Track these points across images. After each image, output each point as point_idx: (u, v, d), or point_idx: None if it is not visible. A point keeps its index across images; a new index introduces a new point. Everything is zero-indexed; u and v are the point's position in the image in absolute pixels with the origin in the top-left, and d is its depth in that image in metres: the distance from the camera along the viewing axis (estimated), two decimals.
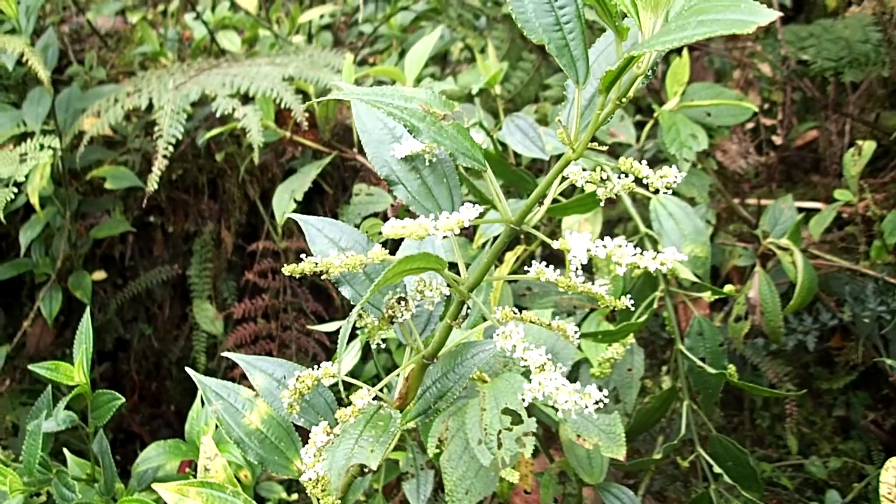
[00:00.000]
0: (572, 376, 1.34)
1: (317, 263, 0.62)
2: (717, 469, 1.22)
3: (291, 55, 1.80)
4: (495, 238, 1.56)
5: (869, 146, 1.59)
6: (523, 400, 0.54)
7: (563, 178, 0.62)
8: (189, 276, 2.39)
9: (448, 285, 0.63)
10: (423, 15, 2.06)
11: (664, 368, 1.98)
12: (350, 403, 0.70)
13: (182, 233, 2.49)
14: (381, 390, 0.75)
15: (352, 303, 0.71)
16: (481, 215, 0.54)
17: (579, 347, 1.37)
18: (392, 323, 0.64)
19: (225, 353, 0.89)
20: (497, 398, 1.02)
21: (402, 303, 0.62)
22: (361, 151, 1.75)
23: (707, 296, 1.24)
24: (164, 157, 1.50)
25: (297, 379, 0.75)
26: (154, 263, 2.47)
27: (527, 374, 1.18)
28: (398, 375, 0.73)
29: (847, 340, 2.12)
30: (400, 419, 0.66)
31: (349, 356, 1.13)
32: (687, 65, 1.42)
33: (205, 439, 1.02)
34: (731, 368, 1.26)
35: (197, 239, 2.45)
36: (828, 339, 2.11)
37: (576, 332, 0.71)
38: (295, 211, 2.20)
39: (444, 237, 0.56)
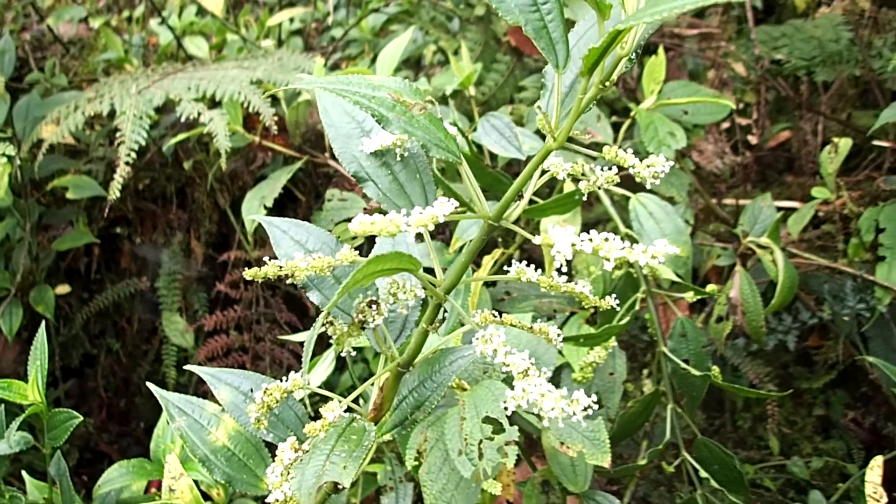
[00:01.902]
0: (554, 381, 1.30)
1: (281, 267, 0.58)
2: (703, 473, 1.19)
3: (260, 59, 1.76)
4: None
5: (845, 143, 1.58)
6: (506, 408, 0.50)
7: (543, 172, 0.58)
8: (158, 288, 2.33)
9: (423, 288, 0.59)
10: (395, 17, 2.02)
11: (645, 371, 1.96)
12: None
13: (150, 244, 2.42)
14: (355, 402, 0.71)
15: (321, 309, 0.66)
16: (457, 212, 0.50)
17: (560, 352, 1.34)
18: (363, 329, 0.60)
19: (188, 367, 0.84)
20: (477, 406, 0.98)
21: (374, 306, 0.58)
22: (334, 156, 1.71)
23: (689, 296, 1.22)
24: (127, 164, 1.45)
25: (264, 392, 0.70)
26: (121, 276, 2.40)
27: (508, 380, 1.14)
28: (372, 385, 0.69)
29: (825, 339, 2.11)
30: (375, 432, 0.61)
31: (323, 366, 1.09)
32: (663, 63, 1.40)
33: (169, 458, 0.97)
34: (715, 370, 1.23)
35: (165, 250, 2.39)
36: (806, 338, 2.10)
37: (558, 335, 0.68)
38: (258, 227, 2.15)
39: (418, 236, 0.52)
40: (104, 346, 2.42)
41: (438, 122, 0.55)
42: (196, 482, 0.99)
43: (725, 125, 2.08)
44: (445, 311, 0.61)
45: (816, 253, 1.86)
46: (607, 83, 0.48)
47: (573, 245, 0.46)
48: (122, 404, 2.40)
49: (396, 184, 0.61)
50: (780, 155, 2.21)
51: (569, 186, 1.28)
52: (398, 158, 0.62)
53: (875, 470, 1.33)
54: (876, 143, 1.85)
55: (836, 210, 1.81)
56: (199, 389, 2.27)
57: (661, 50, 1.40)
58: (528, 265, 0.61)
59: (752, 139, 2.02)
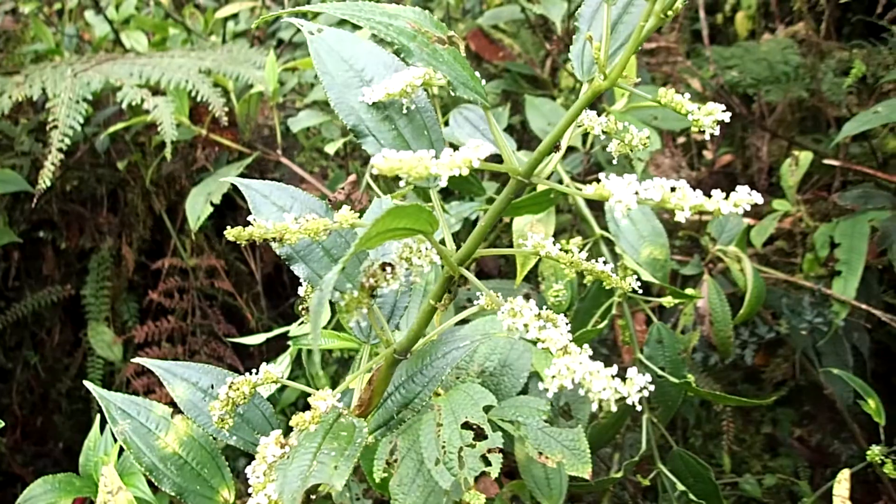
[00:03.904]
0: (523, 390, 1.23)
1: (268, 230, 0.49)
2: (679, 486, 1.14)
3: (208, 50, 1.65)
4: (474, 221, 1.43)
5: (805, 157, 1.58)
6: (546, 389, 0.42)
7: (576, 126, 0.52)
8: (84, 296, 2.16)
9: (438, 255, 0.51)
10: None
11: None
12: (289, 427, 0.56)
13: (76, 249, 2.25)
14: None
15: (302, 283, 0.58)
16: (489, 161, 0.42)
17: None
18: (374, 296, 0.52)
19: (138, 360, 0.73)
20: (455, 412, 0.90)
21: (388, 269, 0.49)
22: (286, 153, 1.61)
23: (668, 300, 1.17)
24: (60, 150, 1.31)
25: (230, 386, 0.61)
26: (43, 283, 2.21)
27: (486, 384, 1.06)
28: (365, 374, 0.60)
29: (773, 357, 2.12)
30: (367, 428, 0.53)
31: (279, 368, 0.99)
32: (634, 66, 1.37)
33: (105, 470, 0.85)
34: (691, 377, 1.19)
35: (93, 256, 2.22)
36: (754, 354, 2.10)
37: (567, 325, 0.61)
38: (201, 229, 2.02)
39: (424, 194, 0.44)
40: (20, 359, 2.22)
41: (463, 60, 0.48)
42: (137, 500, 0.87)
43: (681, 140, 2.08)
44: (460, 286, 0.53)
45: (771, 267, 1.86)
46: (669, 12, 0.42)
47: (636, 193, 0.39)
48: (39, 423, 2.21)
49: (401, 140, 0.53)
50: (732, 171, 2.22)
51: (540, 186, 1.22)
52: (403, 112, 0.54)
53: (843, 483, 1.31)
54: (826, 161, 1.88)
55: (791, 225, 1.82)
56: None
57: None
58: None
59: (708, 154, 2.02)
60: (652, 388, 0.42)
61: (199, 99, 1.43)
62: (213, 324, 2.13)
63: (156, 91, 1.60)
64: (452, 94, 0.48)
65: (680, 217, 0.39)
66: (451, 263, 0.51)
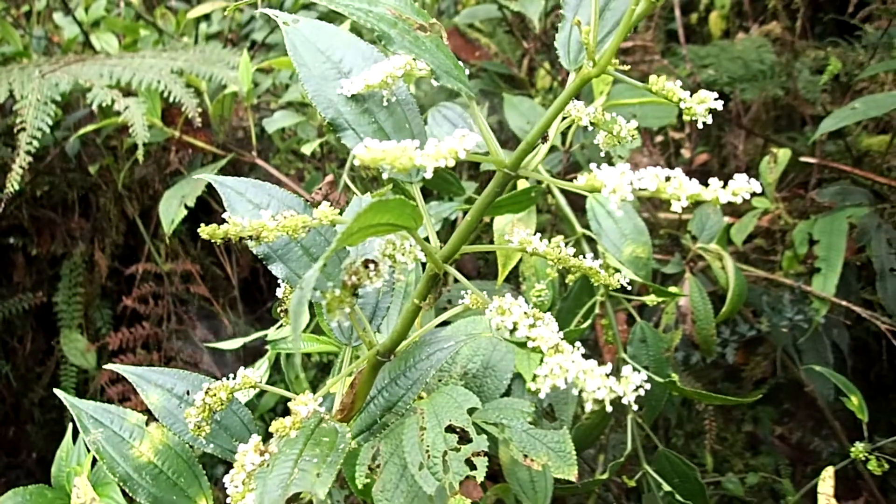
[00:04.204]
0: (507, 392, 1.21)
1: (244, 228, 0.47)
2: (665, 487, 1.13)
3: (180, 50, 1.62)
4: (454, 222, 1.41)
5: (784, 154, 1.59)
6: (538, 390, 0.40)
7: (563, 117, 0.50)
8: (56, 303, 2.11)
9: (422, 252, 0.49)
10: (326, 17, 1.92)
11: None
12: (268, 433, 0.54)
13: (48, 255, 2.20)
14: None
15: (280, 284, 0.56)
16: (474, 153, 0.40)
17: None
18: (356, 295, 0.49)
19: (110, 366, 0.71)
20: (438, 415, 0.88)
21: (371, 267, 0.47)
22: (261, 155, 1.58)
23: (651, 299, 1.16)
24: (28, 153, 1.28)
25: (206, 392, 0.58)
26: (14, 291, 2.16)
27: (469, 385, 1.05)
28: (347, 377, 0.58)
29: (752, 355, 2.13)
30: (349, 433, 0.51)
31: (257, 373, 0.96)
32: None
33: (78, 480, 0.82)
34: (675, 376, 1.18)
35: (65, 262, 2.17)
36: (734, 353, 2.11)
37: (556, 329, 0.59)
38: (175, 233, 1.98)
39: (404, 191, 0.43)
40: None
41: (446, 48, 0.46)
42: None
43: (659, 138, 2.08)
44: (444, 284, 0.52)
45: (751, 265, 1.86)
46: None
47: (631, 183, 0.38)
48: (11, 433, 2.15)
49: (381, 133, 0.51)
50: (710, 169, 2.23)
51: (522, 184, 1.21)
52: (384, 105, 0.52)
53: (827, 481, 1.31)
54: (803, 159, 1.88)
55: (770, 223, 1.83)
56: None
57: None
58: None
59: (686, 153, 2.03)
60: (648, 386, 0.41)
61: (171, 100, 1.40)
62: (188, 329, 2.10)
63: (127, 92, 1.57)
64: (436, 83, 0.46)
65: (676, 207, 0.38)
66: (436, 261, 0.49)
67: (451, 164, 0.38)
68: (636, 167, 1.49)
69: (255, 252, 0.53)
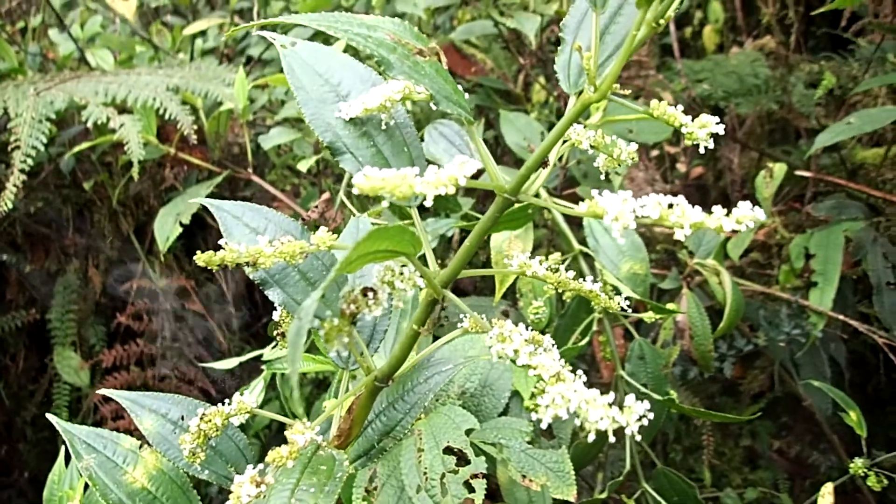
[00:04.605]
0: (504, 411, 1.21)
1: (241, 254, 0.46)
2: None
3: (176, 67, 1.61)
4: (450, 238, 1.40)
5: (780, 168, 1.59)
6: (540, 420, 0.40)
7: (563, 140, 0.50)
8: (49, 320, 2.09)
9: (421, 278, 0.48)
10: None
11: None
12: (263, 453, 0.53)
13: (42, 272, 2.19)
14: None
15: (277, 307, 0.55)
16: (474, 179, 0.40)
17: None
18: (354, 323, 0.49)
19: (102, 391, 0.70)
20: (436, 436, 0.88)
21: (370, 295, 0.47)
22: (257, 171, 1.58)
23: (648, 316, 1.15)
24: (22, 171, 1.27)
25: (201, 418, 0.58)
26: (7, 308, 2.14)
27: (467, 404, 1.04)
28: (337, 408, 0.57)
29: (749, 369, 2.12)
30: (347, 461, 0.50)
31: (253, 394, 0.95)
32: None
33: None
34: (673, 394, 1.17)
35: (59, 279, 2.16)
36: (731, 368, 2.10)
37: (553, 345, 0.59)
38: (170, 250, 1.97)
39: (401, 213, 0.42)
40: None
41: (445, 73, 0.46)
42: None
43: (655, 153, 2.08)
44: (444, 308, 0.51)
45: (748, 279, 1.86)
46: (661, 21, 0.40)
47: (633, 211, 0.37)
48: (4, 452, 2.13)
49: (380, 157, 0.51)
50: (705, 183, 2.23)
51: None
52: (382, 128, 0.52)
53: (826, 498, 1.30)
54: (798, 172, 1.89)
55: (766, 237, 1.83)
56: None
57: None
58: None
59: (682, 167, 2.03)
60: (651, 416, 0.40)
61: (166, 117, 1.39)
62: (183, 346, 2.08)
63: (122, 110, 1.56)
64: (435, 107, 0.45)
65: (679, 235, 0.37)
66: (435, 286, 0.49)
67: (452, 191, 0.38)
68: (632, 181, 1.50)
69: (252, 278, 0.52)
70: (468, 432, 0.87)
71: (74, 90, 1.37)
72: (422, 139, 1.20)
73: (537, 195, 0.46)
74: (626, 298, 0.55)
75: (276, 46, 0.53)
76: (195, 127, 1.39)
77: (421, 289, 0.49)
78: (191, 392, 2.07)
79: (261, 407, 1.53)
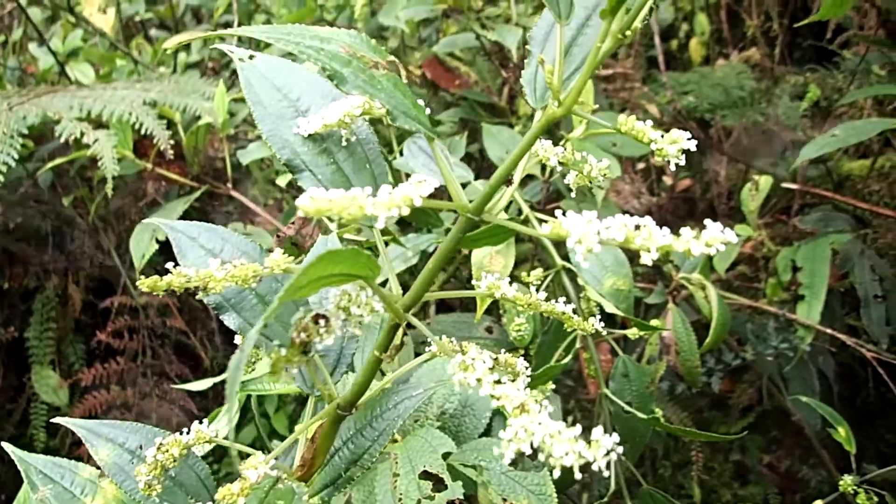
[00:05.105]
0: (485, 432, 1.18)
1: (190, 278, 0.44)
2: None
3: (154, 81, 1.59)
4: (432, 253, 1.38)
5: (766, 181, 1.57)
6: (502, 454, 0.37)
7: (530, 157, 0.47)
8: (27, 338, 2.05)
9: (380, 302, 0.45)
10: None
11: (569, 419, 1.86)
12: (228, 478, 0.51)
13: (20, 289, 2.15)
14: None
15: (238, 334, 0.52)
16: (432, 198, 0.38)
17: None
18: (305, 353, 0.46)
19: (57, 419, 0.67)
20: (412, 460, 0.85)
21: (322, 321, 0.44)
22: (240, 185, 1.55)
23: (633, 332, 1.13)
24: None
25: (158, 448, 0.55)
26: None
27: (445, 428, 1.01)
28: (301, 434, 0.55)
29: (738, 383, 2.11)
30: (307, 494, 0.47)
31: (224, 420, 0.92)
32: (591, 91, 1.34)
33: None
34: (659, 412, 1.15)
35: (38, 296, 2.12)
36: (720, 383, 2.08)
37: (526, 368, 0.56)
38: (152, 264, 1.93)
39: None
40: None
41: (404, 86, 0.44)
42: None
43: (641, 165, 2.07)
44: (406, 334, 0.49)
45: (735, 293, 1.85)
46: (628, 32, 0.38)
47: (598, 233, 0.35)
48: None
49: (341, 174, 0.48)
50: (692, 196, 2.22)
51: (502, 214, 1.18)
52: (343, 144, 0.49)
53: None
54: (784, 185, 1.88)
55: (753, 250, 1.82)
56: (74, 453, 2.00)
57: (589, 79, 1.35)
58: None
59: (668, 179, 2.02)
60: (620, 450, 0.38)
61: (143, 132, 1.37)
62: (164, 364, 2.04)
63: (100, 124, 1.54)
64: (392, 123, 0.43)
65: (646, 259, 0.35)
66: (397, 311, 0.46)
67: (406, 212, 0.35)
68: (619, 194, 1.47)
69: (206, 302, 0.49)
70: (445, 456, 0.84)
71: (48, 105, 1.34)
72: (401, 153, 1.18)
73: (508, 208, 0.44)
74: (602, 321, 0.53)
75: (234, 60, 0.50)
76: (172, 142, 1.37)
77: (379, 313, 0.47)
78: (172, 411, 2.03)
79: (238, 428, 1.49)
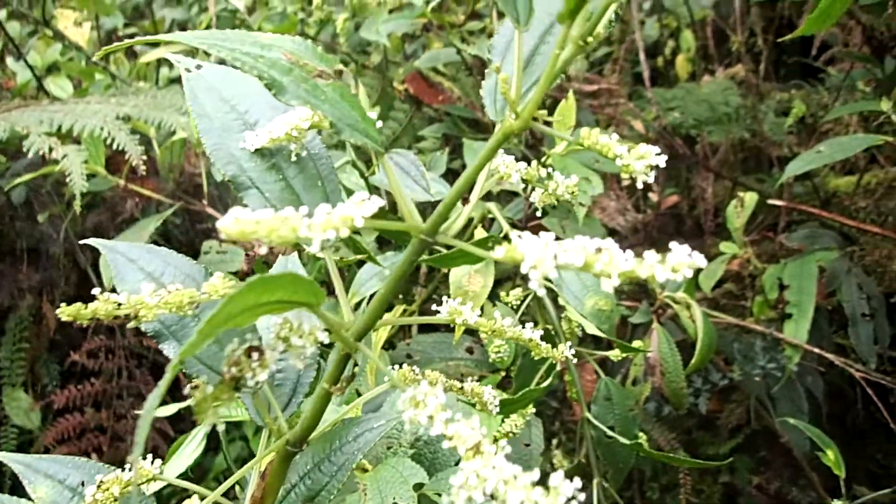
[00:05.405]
0: None
1: (120, 304, 0.40)
2: None
3: (130, 96, 1.56)
4: (430, 270, 1.34)
5: (751, 198, 1.55)
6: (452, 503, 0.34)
7: (490, 174, 0.44)
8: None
9: (328, 331, 0.42)
10: None
11: (554, 442, 1.83)
12: None
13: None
14: (230, 493, 0.53)
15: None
16: (379, 218, 0.34)
17: None
18: (237, 390, 0.42)
19: None
20: (382, 492, 0.81)
21: (255, 355, 0.40)
22: (213, 204, 1.52)
23: (615, 354, 1.10)
24: None
25: (98, 486, 0.51)
26: None
27: (418, 457, 0.97)
28: (252, 470, 0.51)
29: (726, 403, 2.07)
30: None
31: (191, 446, 0.88)
32: (574, 108, 1.32)
33: None
34: (643, 437, 1.11)
35: (11, 315, 2.07)
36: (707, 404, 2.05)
37: (494, 398, 0.53)
38: None
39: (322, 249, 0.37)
40: None
41: (352, 97, 0.40)
42: None
43: (626, 182, 2.05)
44: (356, 364, 0.45)
45: (721, 311, 1.82)
46: (590, 39, 0.35)
47: (555, 257, 0.32)
48: None
49: (290, 192, 0.45)
50: (678, 213, 2.20)
51: (480, 232, 1.15)
52: (293, 159, 0.46)
53: None
54: (771, 201, 1.86)
55: (739, 268, 1.79)
56: None
57: (570, 94, 1.33)
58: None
59: (653, 196, 1.99)
60: (582, 497, 0.34)
61: (114, 147, 1.33)
62: (140, 385, 1.99)
63: (76, 139, 1.50)
64: (335, 137, 0.40)
65: (606, 286, 0.32)
66: (347, 340, 0.43)
67: (346, 234, 0.32)
68: (603, 211, 1.44)
69: (143, 329, 0.46)
70: (417, 487, 0.81)
71: (17, 119, 1.30)
72: (374, 173, 1.15)
73: (491, 226, 0.41)
74: (587, 341, 0.49)
75: (181, 70, 0.47)
76: (144, 158, 1.33)
77: (324, 344, 0.43)
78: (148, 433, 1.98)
79: (205, 454, 1.42)
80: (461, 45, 1.45)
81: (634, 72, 2.55)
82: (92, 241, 0.55)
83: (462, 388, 0.52)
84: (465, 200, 0.44)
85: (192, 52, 2.02)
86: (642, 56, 2.28)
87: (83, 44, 1.67)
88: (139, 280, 0.48)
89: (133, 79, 1.95)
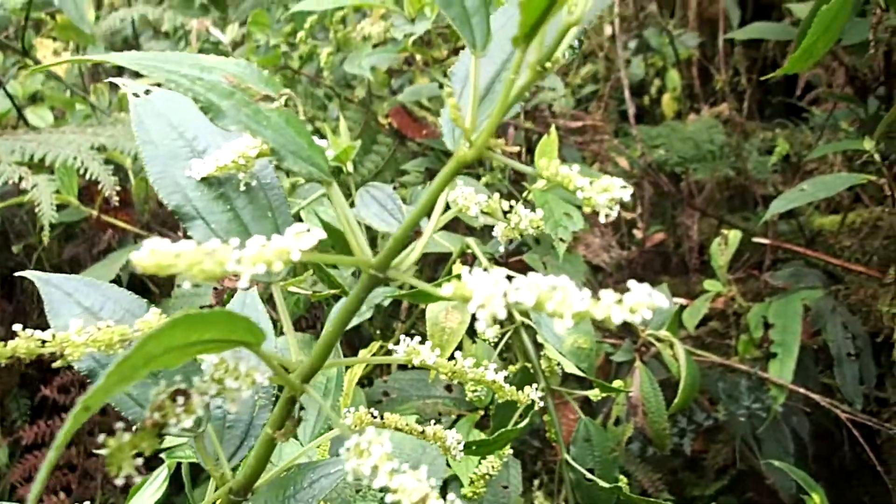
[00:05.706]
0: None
1: (45, 342, 0.37)
2: None
3: (108, 126, 1.54)
4: (411, 304, 1.32)
5: (734, 235, 1.54)
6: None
7: (447, 207, 0.42)
8: None
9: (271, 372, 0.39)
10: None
11: (535, 482, 1.78)
12: None
13: None
14: None
15: (115, 407, 0.45)
16: (322, 251, 0.32)
17: (447, 463, 1.14)
18: (160, 436, 0.39)
19: None
20: None
21: (181, 399, 0.37)
22: (188, 236, 1.49)
23: (594, 393, 1.07)
24: None
25: None
26: None
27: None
28: None
29: (712, 443, 2.04)
30: None
31: (151, 488, 0.84)
32: (556, 142, 1.31)
33: None
34: (623, 480, 1.08)
35: None
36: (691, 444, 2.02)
37: (458, 443, 0.50)
38: None
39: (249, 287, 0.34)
40: None
41: (299, 123, 0.38)
42: None
43: (611, 218, 2.04)
44: (303, 408, 0.42)
45: (705, 350, 1.79)
46: (548, 64, 0.33)
47: (505, 294, 0.29)
48: None
49: (238, 223, 0.42)
50: (665, 249, 2.19)
51: (458, 268, 1.13)
52: (243, 189, 0.44)
53: None
54: (756, 239, 1.85)
55: (724, 306, 1.77)
56: None
57: (553, 129, 1.32)
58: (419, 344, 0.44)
59: (638, 233, 1.98)
60: None
61: (88, 177, 1.31)
62: (112, 421, 1.94)
63: (52, 169, 1.48)
64: (277, 165, 0.38)
65: (559, 328, 0.29)
66: (291, 382, 0.40)
67: (279, 268, 0.30)
68: (587, 247, 1.42)
69: (76, 369, 0.43)
70: None
71: None
72: (352, 204, 1.13)
73: (472, 260, 0.38)
74: (541, 395, 0.47)
75: (128, 94, 0.45)
76: (118, 188, 1.31)
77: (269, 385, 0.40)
78: None
79: (168, 499, 1.38)
80: (442, 79, 1.44)
81: (620, 109, 2.57)
82: (27, 274, 0.52)
83: (423, 431, 0.49)
84: (417, 234, 0.42)
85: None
86: (627, 94, 2.30)
87: (62, 74, 1.65)
88: (75, 314, 0.45)
89: (114, 109, 1.94)
